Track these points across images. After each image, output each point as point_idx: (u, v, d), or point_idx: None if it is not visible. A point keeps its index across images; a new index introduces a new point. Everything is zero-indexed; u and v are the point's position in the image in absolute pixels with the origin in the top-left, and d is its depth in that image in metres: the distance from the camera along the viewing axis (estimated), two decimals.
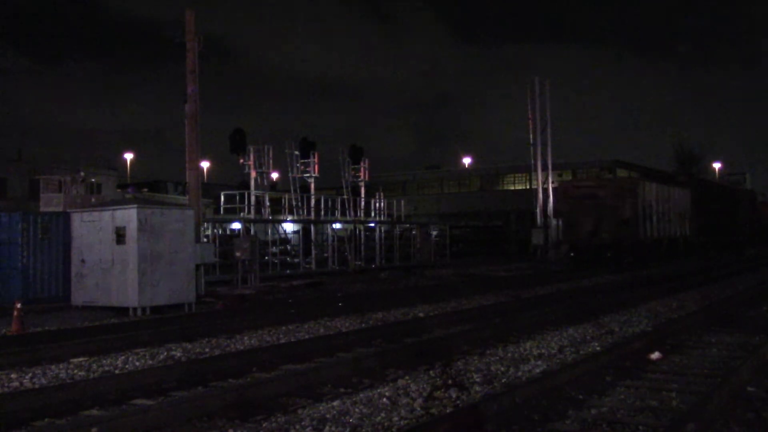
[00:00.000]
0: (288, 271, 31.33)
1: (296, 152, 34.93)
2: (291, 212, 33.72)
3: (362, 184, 38.66)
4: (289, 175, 34.63)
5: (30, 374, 9.89)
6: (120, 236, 17.63)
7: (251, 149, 32.86)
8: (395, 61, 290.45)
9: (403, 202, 43.27)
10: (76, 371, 10.14)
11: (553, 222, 41.31)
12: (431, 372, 9.41)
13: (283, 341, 12.60)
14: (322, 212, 36.43)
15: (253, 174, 32.94)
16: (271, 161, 33.68)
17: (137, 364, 10.69)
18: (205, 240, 24.86)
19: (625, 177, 46.07)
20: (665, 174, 60.21)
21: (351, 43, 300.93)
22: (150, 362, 10.79)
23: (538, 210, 46.45)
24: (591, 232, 34.91)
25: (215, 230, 29.72)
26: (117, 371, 10.07)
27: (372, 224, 38.06)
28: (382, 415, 7.35)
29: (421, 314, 16.23)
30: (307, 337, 13.03)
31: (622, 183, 38.79)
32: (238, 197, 32.80)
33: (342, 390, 8.61)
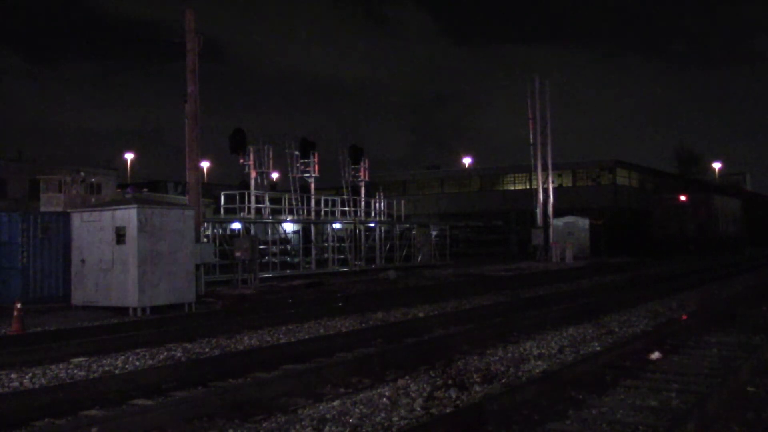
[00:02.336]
0: (288, 271, 31.32)
1: (296, 152, 34.92)
2: (291, 212, 33.71)
3: (362, 184, 38.65)
4: (289, 175, 34.62)
5: (30, 374, 9.88)
6: (120, 236, 17.62)
7: (251, 149, 32.85)
8: (391, 62, 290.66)
9: (403, 202, 43.24)
10: (76, 371, 10.14)
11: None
12: (431, 372, 9.41)
13: (283, 341, 12.60)
14: (322, 212, 36.42)
15: (253, 174, 32.93)
16: (271, 161, 33.69)
17: (137, 364, 10.69)
18: (205, 240, 24.84)
19: (702, 192, 58.77)
20: (718, 185, 74.45)
21: (347, 44, 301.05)
22: (150, 362, 10.79)
23: (538, 210, 46.45)
24: (678, 231, 49.62)
25: (215, 230, 29.70)
26: (117, 371, 10.07)
27: (372, 224, 38.05)
28: (382, 415, 7.35)
29: (421, 314, 16.22)
30: (307, 337, 13.03)
31: (699, 196, 53.14)
32: (238, 197, 32.77)
33: (342, 390, 8.61)
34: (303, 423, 7.09)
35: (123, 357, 11.18)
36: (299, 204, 34.36)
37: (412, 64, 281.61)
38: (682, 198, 51.56)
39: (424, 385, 8.60)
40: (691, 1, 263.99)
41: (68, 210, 21.64)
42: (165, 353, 11.50)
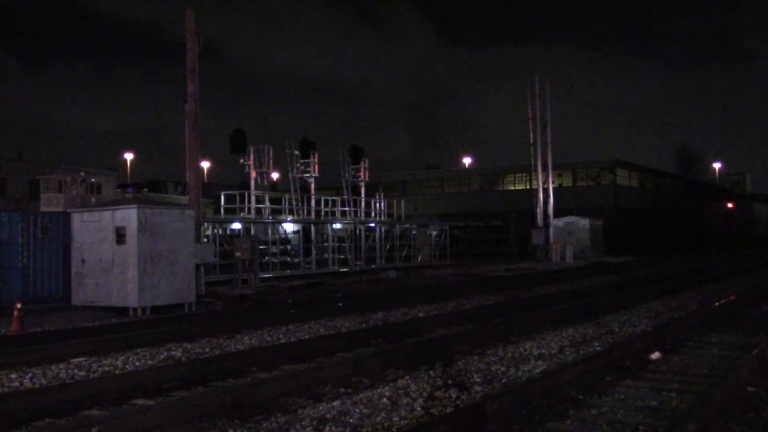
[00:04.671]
0: (288, 271, 31.32)
1: (296, 152, 34.92)
2: (291, 212, 33.70)
3: (362, 184, 38.64)
4: (289, 175, 34.61)
5: (30, 374, 9.88)
6: (120, 236, 17.62)
7: (251, 149, 32.86)
8: (388, 63, 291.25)
9: (403, 202, 43.24)
10: (76, 371, 10.14)
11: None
12: (431, 372, 9.41)
13: (283, 341, 12.60)
14: (322, 212, 36.42)
15: (253, 174, 32.94)
16: (271, 161, 33.69)
17: (137, 364, 10.69)
18: (205, 240, 24.84)
19: (744, 200, 75.61)
20: (754, 194, 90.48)
21: (343, 46, 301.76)
22: (150, 362, 10.79)
23: (538, 210, 46.45)
24: (724, 230, 64.82)
25: (215, 230, 29.71)
26: (117, 371, 10.07)
27: (372, 224, 38.04)
28: (383, 415, 7.35)
29: (421, 314, 16.22)
30: (307, 337, 13.03)
31: (743, 203, 70.30)
32: (238, 197, 32.77)
33: (342, 390, 8.61)
34: (303, 423, 7.09)
35: (123, 357, 11.18)
36: (299, 204, 34.35)
37: (409, 65, 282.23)
38: (729, 204, 68.44)
39: (424, 385, 8.60)
40: (683, 2, 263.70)
41: (68, 210, 21.62)
42: (165, 353, 11.50)
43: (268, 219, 32.44)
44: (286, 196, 34.05)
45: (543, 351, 11.00)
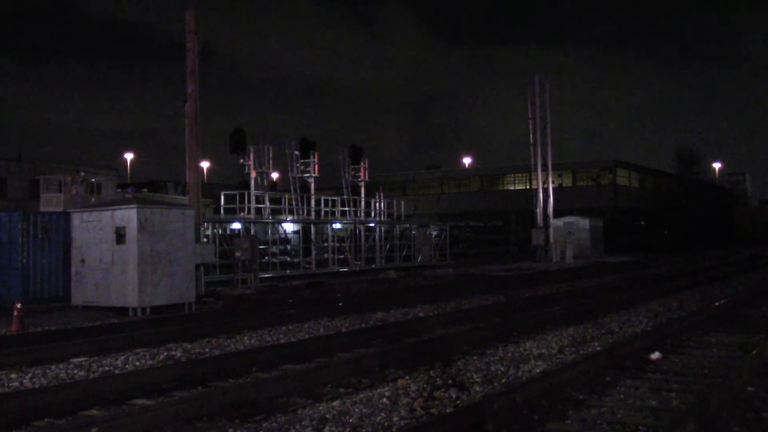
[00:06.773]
0: (288, 271, 31.31)
1: (296, 152, 34.91)
2: (291, 212, 33.69)
3: (362, 184, 38.63)
4: (289, 175, 34.60)
5: (30, 374, 9.88)
6: (120, 236, 17.62)
7: (251, 149, 32.84)
8: (384, 63, 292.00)
9: (403, 202, 43.24)
10: (76, 371, 10.13)
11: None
12: (431, 372, 9.41)
13: (283, 341, 12.59)
14: (322, 212, 36.41)
15: (253, 174, 32.91)
16: (271, 161, 33.67)
17: (137, 364, 10.68)
18: (205, 240, 24.83)
19: None
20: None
21: (339, 47, 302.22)
22: (150, 362, 10.79)
23: (538, 210, 46.45)
24: (751, 230, 76.05)
25: (215, 230, 29.69)
26: (117, 371, 10.07)
27: (372, 224, 38.03)
28: (382, 415, 7.34)
29: (421, 314, 16.22)
30: (307, 337, 13.02)
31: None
32: (238, 197, 32.75)
33: (342, 390, 8.61)
34: (303, 423, 7.08)
35: (123, 357, 11.18)
36: (299, 204, 34.34)
37: (405, 65, 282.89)
38: (757, 210, 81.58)
39: (424, 385, 8.60)
40: (679, 3, 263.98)
41: (68, 210, 21.61)
42: (165, 353, 11.50)
43: (268, 219, 32.41)
44: (286, 196, 34.03)
45: (543, 351, 10.99)
